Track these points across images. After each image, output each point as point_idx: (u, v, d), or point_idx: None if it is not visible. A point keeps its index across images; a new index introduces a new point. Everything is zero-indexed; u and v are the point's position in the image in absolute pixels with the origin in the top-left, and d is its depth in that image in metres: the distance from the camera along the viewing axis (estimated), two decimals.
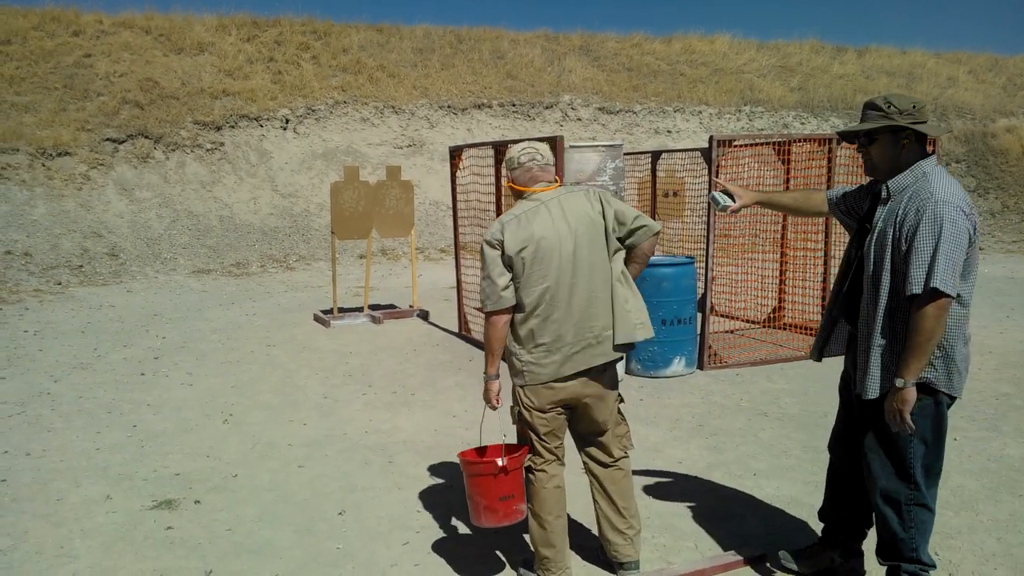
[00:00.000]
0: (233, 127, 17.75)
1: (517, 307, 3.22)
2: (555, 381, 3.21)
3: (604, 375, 3.30)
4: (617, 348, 3.26)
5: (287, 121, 18.39)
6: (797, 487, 4.44)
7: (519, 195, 3.32)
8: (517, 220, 3.20)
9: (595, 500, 3.46)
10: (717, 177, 9.50)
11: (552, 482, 3.33)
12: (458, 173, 8.62)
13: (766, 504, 4.23)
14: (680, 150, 10.40)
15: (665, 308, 6.74)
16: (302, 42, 20.52)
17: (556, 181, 3.35)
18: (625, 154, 12.14)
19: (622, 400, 3.49)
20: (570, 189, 3.34)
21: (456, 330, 8.79)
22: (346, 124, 18.94)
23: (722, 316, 8.78)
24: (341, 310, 9.94)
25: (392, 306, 10.44)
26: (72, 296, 11.49)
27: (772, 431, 5.44)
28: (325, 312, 9.85)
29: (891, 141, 2.91)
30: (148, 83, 17.77)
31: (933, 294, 2.69)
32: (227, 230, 15.52)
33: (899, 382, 2.80)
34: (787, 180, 8.31)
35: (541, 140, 4.39)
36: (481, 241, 3.28)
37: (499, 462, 3.21)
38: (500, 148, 7.49)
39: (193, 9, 21.33)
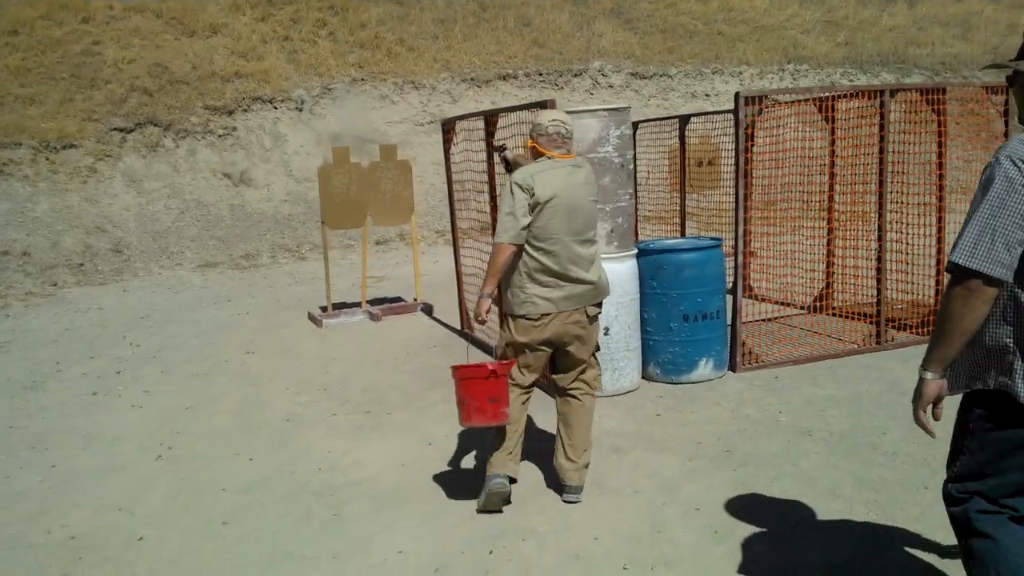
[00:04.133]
0: (246, 111, 16.92)
1: (532, 246, 3.76)
2: (546, 315, 3.77)
3: (588, 318, 3.88)
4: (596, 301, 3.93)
5: (302, 102, 17.51)
6: (849, 549, 3.38)
7: (539, 155, 3.88)
8: (543, 175, 3.78)
9: (557, 426, 4.08)
10: (751, 142, 8.36)
11: (518, 400, 3.95)
12: (452, 149, 7.62)
13: None
14: (707, 113, 9.25)
15: (687, 301, 5.68)
16: (319, 19, 19.56)
17: (570, 153, 3.96)
18: (647, 121, 11.01)
19: (599, 349, 4.10)
20: (579, 163, 4.01)
21: (459, 327, 7.82)
22: (364, 102, 18.00)
23: (760, 300, 7.66)
24: (337, 306, 9.04)
25: (399, 299, 9.51)
26: (63, 299, 10.79)
27: (816, 457, 4.38)
28: (323, 309, 8.97)
29: None
30: (157, 68, 17.01)
31: (955, 270, 2.13)
32: (238, 219, 14.74)
33: (920, 370, 2.28)
34: (833, 142, 7.15)
35: (533, 105, 5.17)
36: (510, 182, 3.81)
37: (489, 366, 3.71)
38: (491, 119, 6.46)
39: None
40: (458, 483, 4.30)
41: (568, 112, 5.48)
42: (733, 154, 8.83)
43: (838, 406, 5.14)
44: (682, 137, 9.43)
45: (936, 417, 2.32)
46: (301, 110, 17.44)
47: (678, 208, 9.96)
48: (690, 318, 5.71)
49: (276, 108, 17.24)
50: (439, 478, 4.39)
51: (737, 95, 5.73)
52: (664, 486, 4.12)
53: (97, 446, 5.17)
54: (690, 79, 19.82)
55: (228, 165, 15.79)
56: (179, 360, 7.25)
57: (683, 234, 9.67)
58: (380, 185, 8.54)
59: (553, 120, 3.87)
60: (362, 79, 18.29)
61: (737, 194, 5.79)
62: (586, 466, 4.01)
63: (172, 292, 11.09)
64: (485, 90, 18.98)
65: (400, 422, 5.36)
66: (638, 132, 10.49)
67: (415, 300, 9.09)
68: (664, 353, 5.80)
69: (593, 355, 4.02)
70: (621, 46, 20.24)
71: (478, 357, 6.71)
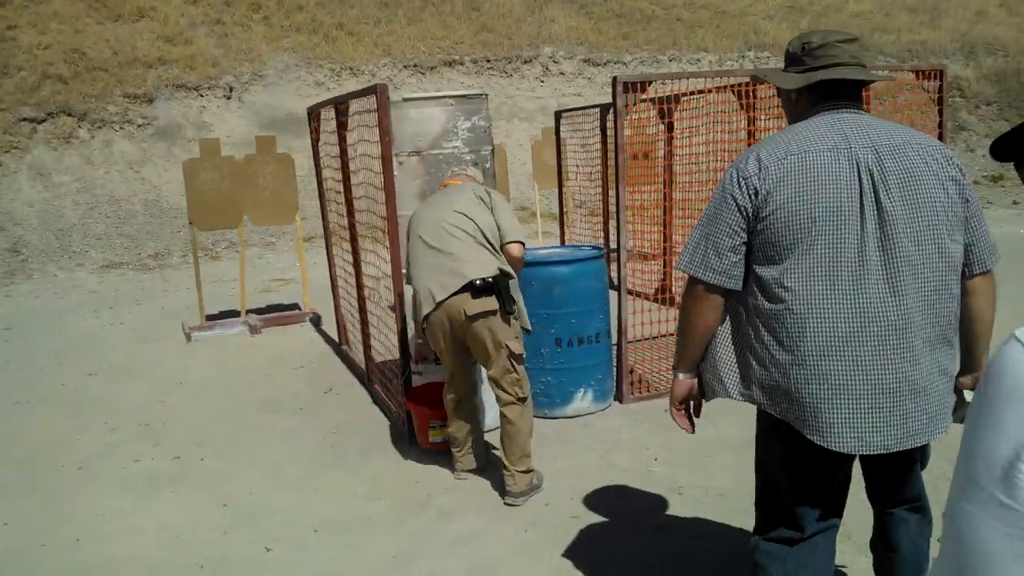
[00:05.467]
0: (168, 99, 15.92)
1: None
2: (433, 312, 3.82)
3: (470, 304, 3.75)
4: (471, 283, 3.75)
5: (231, 89, 16.52)
6: None
7: None
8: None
9: None
10: (671, 133, 7.54)
11: (449, 395, 4.11)
12: (323, 140, 6.72)
13: None
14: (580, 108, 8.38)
15: (559, 322, 4.82)
16: (253, 2, 18.50)
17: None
18: (570, 110, 10.12)
19: (511, 352, 3.82)
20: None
21: (338, 341, 6.94)
22: (298, 89, 17.02)
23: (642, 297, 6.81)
24: (220, 316, 8.14)
25: (294, 307, 8.61)
26: None
27: (677, 527, 3.53)
28: (210, 318, 8.08)
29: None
30: (74, 54, 15.94)
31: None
32: (151, 215, 13.76)
33: (671, 370, 2.36)
34: (751, 133, 6.28)
35: (364, 92, 4.90)
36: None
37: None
38: (340, 107, 5.57)
39: None
40: (222, 565, 3.43)
41: (407, 99, 4.66)
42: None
43: (728, 450, 4.28)
44: (603, 128, 8.56)
45: (696, 414, 2.36)
46: (229, 98, 16.45)
47: (601, 206, 9.11)
48: (563, 342, 4.85)
49: (202, 96, 16.24)
50: (208, 556, 3.52)
51: (615, 80, 4.86)
52: (474, 572, 3.26)
53: None
54: (645, 66, 18.94)
55: (145, 157, 14.79)
56: (8, 384, 6.33)
57: (607, 237, 8.81)
58: (258, 181, 7.63)
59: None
60: (296, 65, 17.30)
61: (618, 195, 4.92)
62: (521, 473, 3.88)
63: (57, 297, 10.14)
64: (429, 77, 18.03)
65: (207, 472, 4.47)
66: (562, 122, 9.62)
67: (302, 309, 8.19)
68: (535, 383, 4.92)
69: (510, 361, 3.85)
70: (574, 32, 19.33)
71: (340, 379, 5.86)
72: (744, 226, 2.07)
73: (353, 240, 5.72)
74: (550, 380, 4.91)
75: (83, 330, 8.13)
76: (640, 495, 3.87)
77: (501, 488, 3.94)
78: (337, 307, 6.88)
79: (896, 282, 1.98)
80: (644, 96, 5.07)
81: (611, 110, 5.07)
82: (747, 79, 5.96)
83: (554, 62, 18.75)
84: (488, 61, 18.46)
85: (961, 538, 0.92)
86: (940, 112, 5.90)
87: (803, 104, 2.18)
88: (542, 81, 18.44)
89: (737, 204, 2.06)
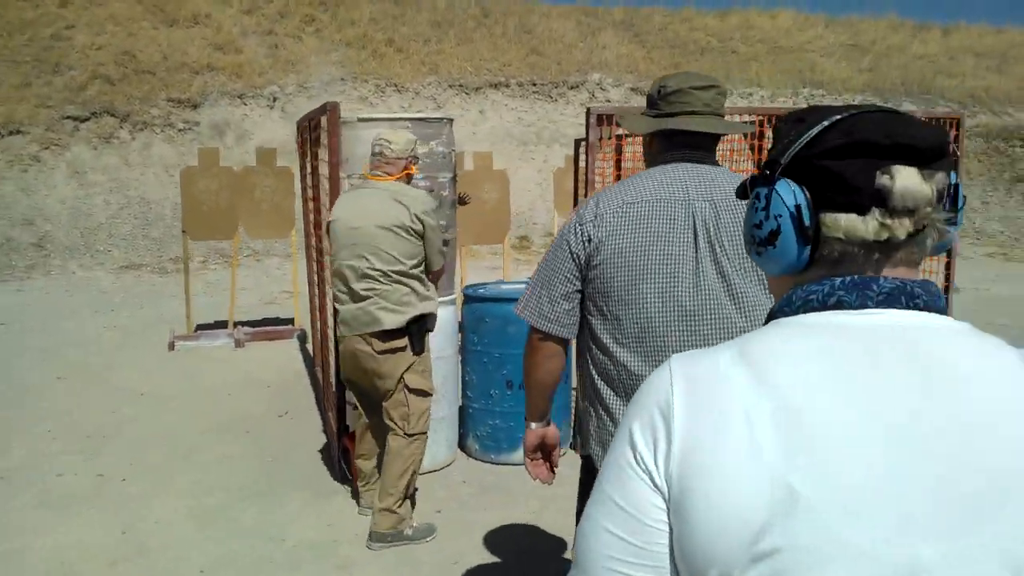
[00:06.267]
0: (213, 105, 16.07)
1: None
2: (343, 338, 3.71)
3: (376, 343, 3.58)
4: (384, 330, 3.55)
5: (274, 99, 16.62)
6: None
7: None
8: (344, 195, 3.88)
9: None
10: None
11: (359, 420, 3.96)
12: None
13: None
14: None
15: (512, 363, 4.52)
16: (307, 14, 18.69)
17: (390, 175, 3.67)
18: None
19: (408, 387, 3.62)
20: (390, 187, 3.64)
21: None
22: (341, 103, 16.99)
23: None
24: (210, 326, 8.03)
25: (290, 321, 8.45)
26: None
27: None
28: (201, 327, 7.99)
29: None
30: (125, 57, 16.24)
31: None
32: (179, 219, 13.77)
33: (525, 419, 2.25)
34: (757, 164, 5.91)
35: (316, 111, 4.79)
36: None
37: None
38: (303, 126, 5.38)
39: None
40: None
41: (361, 120, 4.44)
42: None
43: None
44: (575, 160, 8.23)
45: (553, 464, 2.20)
46: (272, 107, 16.55)
47: None
48: (515, 384, 4.55)
49: (246, 104, 16.37)
50: None
51: (588, 111, 4.57)
52: None
53: None
54: None
55: (182, 161, 14.91)
56: None
57: None
58: (254, 193, 7.50)
59: (376, 139, 3.71)
60: (342, 78, 17.36)
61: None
62: (386, 511, 3.62)
63: (66, 295, 10.18)
64: (473, 98, 17.93)
65: (124, 495, 4.27)
66: (581, 150, 9.34)
67: (295, 325, 8.02)
68: (483, 425, 4.65)
69: (406, 391, 3.64)
70: (624, 59, 19.07)
71: (301, 402, 5.64)
72: (577, 273, 1.98)
73: (319, 259, 5.51)
74: (498, 423, 4.61)
75: (75, 330, 8.08)
76: (555, 561, 3.54)
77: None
78: (313, 324, 6.68)
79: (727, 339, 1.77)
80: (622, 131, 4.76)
81: (586, 142, 4.77)
82: (757, 117, 5.61)
83: (601, 89, 18.49)
84: (534, 85, 18.28)
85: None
86: (956, 164, 5.46)
87: (655, 149, 2.06)
88: (587, 107, 18.17)
89: (571, 250, 1.97)
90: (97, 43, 16.44)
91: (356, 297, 3.59)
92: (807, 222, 0.90)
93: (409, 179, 3.74)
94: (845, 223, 0.89)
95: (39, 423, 5.36)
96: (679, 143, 1.99)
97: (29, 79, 15.31)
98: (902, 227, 0.88)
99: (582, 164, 9.58)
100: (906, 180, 0.87)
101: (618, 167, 6.11)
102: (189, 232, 7.44)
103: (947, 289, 5.40)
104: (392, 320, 3.54)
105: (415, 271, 3.60)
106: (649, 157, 2.08)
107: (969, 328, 0.90)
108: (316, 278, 6.14)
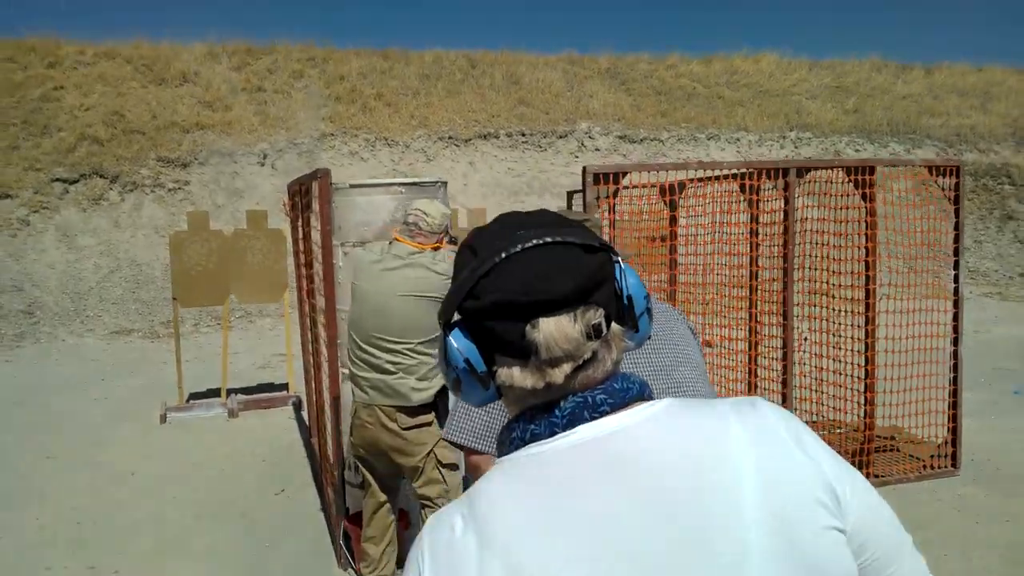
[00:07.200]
0: (203, 164, 16.03)
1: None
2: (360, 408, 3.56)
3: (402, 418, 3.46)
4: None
5: (265, 156, 16.60)
6: None
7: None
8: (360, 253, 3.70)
9: None
10: (674, 226, 7.14)
11: (368, 499, 3.75)
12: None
13: None
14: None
15: None
16: (296, 70, 18.76)
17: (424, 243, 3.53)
18: (579, 192, 9.78)
19: (440, 461, 3.51)
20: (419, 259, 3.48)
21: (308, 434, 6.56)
22: (332, 159, 17.03)
23: None
24: (206, 394, 7.87)
25: (284, 387, 8.28)
26: None
27: None
28: (195, 396, 7.83)
29: None
30: (114, 117, 16.22)
31: None
32: (170, 280, 13.65)
33: None
34: (754, 230, 5.83)
35: (307, 176, 4.67)
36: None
37: None
38: (292, 188, 5.28)
39: (188, 37, 19.75)
40: None
41: (353, 185, 4.35)
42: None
43: None
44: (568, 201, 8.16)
45: None
46: (263, 164, 16.52)
47: None
48: None
49: (236, 162, 16.34)
50: None
51: (584, 170, 4.49)
52: None
53: None
54: (683, 144, 18.64)
55: (173, 222, 14.82)
56: None
57: None
58: (246, 256, 7.39)
59: (411, 209, 3.59)
60: (332, 134, 17.37)
61: None
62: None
63: (55, 365, 10.00)
64: (463, 149, 17.96)
65: None
66: (574, 202, 9.28)
67: (289, 391, 7.86)
68: None
69: (439, 467, 3.53)
70: (612, 107, 19.16)
71: (298, 477, 5.46)
72: None
73: (312, 327, 5.39)
74: None
75: (65, 404, 7.90)
76: None
77: None
78: (309, 393, 6.52)
79: None
80: (620, 186, 4.69)
81: (580, 196, 4.68)
82: (740, 169, 5.55)
83: (589, 138, 18.56)
84: (523, 135, 18.34)
85: None
86: (957, 212, 5.40)
87: None
88: (576, 156, 18.22)
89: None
90: (86, 104, 16.44)
91: (380, 369, 3.43)
92: (480, 370, 0.95)
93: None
94: (510, 374, 0.94)
95: (28, 508, 5.18)
96: None
97: (17, 142, 15.26)
98: (559, 372, 0.92)
99: None
100: (551, 330, 0.90)
101: (613, 226, 6.04)
102: (179, 299, 7.31)
103: (956, 340, 5.30)
104: (420, 397, 3.43)
105: None
106: None
107: (674, 405, 0.94)
108: (311, 347, 6.01)
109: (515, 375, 0.93)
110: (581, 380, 0.94)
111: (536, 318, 0.90)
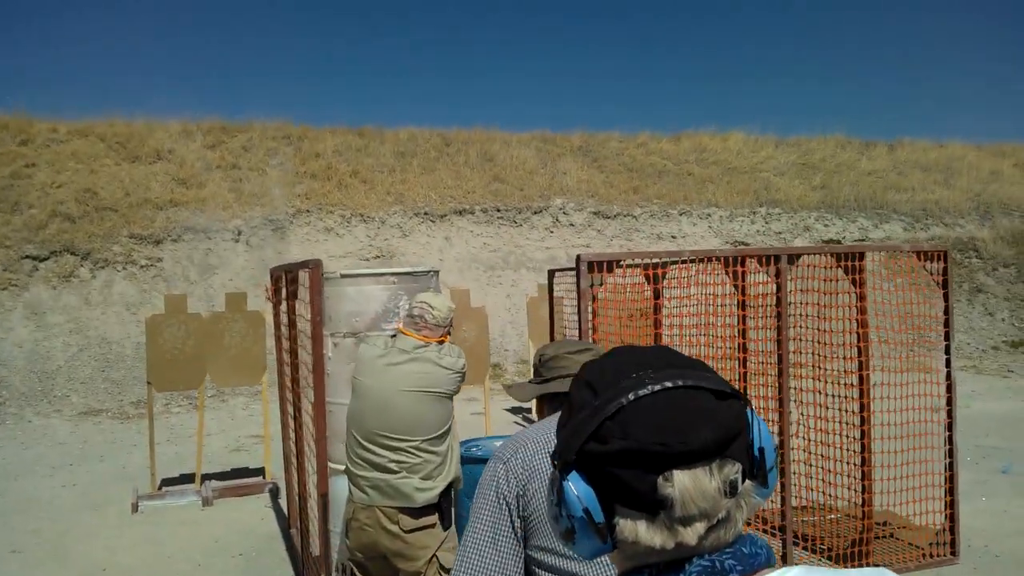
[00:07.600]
0: (176, 240, 15.91)
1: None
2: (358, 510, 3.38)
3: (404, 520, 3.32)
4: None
5: (239, 233, 16.51)
6: None
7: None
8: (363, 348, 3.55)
9: None
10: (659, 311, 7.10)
11: None
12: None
13: None
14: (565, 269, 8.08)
15: None
16: (271, 147, 18.84)
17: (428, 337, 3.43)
18: (562, 270, 9.77)
19: (442, 566, 3.30)
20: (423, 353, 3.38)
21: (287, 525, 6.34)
22: (307, 235, 17.01)
23: None
24: (177, 480, 7.62)
25: (260, 472, 8.04)
26: None
27: None
28: (167, 482, 7.57)
29: None
30: (86, 194, 16.10)
31: None
32: (140, 359, 13.36)
33: None
34: (742, 318, 5.83)
35: (295, 265, 4.67)
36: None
37: None
38: (276, 275, 5.20)
39: (163, 114, 19.81)
40: None
41: (344, 275, 4.28)
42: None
43: None
44: (550, 291, 8.13)
45: None
46: (238, 241, 16.43)
47: None
48: None
49: (210, 238, 16.23)
50: None
51: (578, 258, 4.48)
52: None
53: None
54: (655, 220, 18.86)
55: (145, 299, 14.60)
56: None
57: None
58: (223, 339, 7.24)
59: (416, 301, 3.53)
60: (307, 210, 17.36)
61: None
62: None
63: (22, 448, 9.67)
64: (439, 225, 18.02)
65: None
66: (556, 280, 9.25)
67: (265, 478, 7.64)
68: None
69: (441, 572, 3.35)
70: (585, 184, 19.40)
71: (278, 574, 5.25)
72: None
73: (296, 415, 5.25)
74: None
75: (30, 492, 7.60)
76: None
77: None
78: (289, 482, 6.33)
79: None
80: (613, 276, 4.67)
81: (576, 287, 4.65)
82: (731, 255, 5.56)
83: (564, 213, 18.72)
84: (499, 211, 18.46)
85: None
86: (946, 296, 5.43)
87: (545, 412, 2.19)
88: (551, 232, 18.36)
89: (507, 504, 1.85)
90: (58, 181, 16.32)
91: (382, 468, 3.29)
92: (599, 521, 0.87)
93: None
94: (634, 529, 0.86)
95: None
96: (558, 404, 2.06)
97: None
98: (692, 532, 0.84)
99: (557, 294, 9.51)
100: (687, 485, 0.83)
101: (594, 315, 5.99)
102: (154, 383, 7.13)
103: (949, 426, 5.28)
104: (424, 497, 3.29)
105: (445, 432, 3.38)
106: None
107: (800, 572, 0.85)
108: (293, 434, 5.85)
109: (640, 531, 0.85)
110: (712, 542, 0.86)
111: (670, 470, 0.83)
